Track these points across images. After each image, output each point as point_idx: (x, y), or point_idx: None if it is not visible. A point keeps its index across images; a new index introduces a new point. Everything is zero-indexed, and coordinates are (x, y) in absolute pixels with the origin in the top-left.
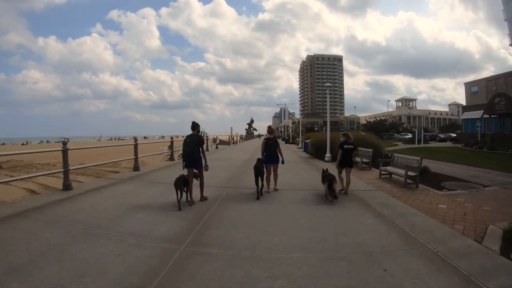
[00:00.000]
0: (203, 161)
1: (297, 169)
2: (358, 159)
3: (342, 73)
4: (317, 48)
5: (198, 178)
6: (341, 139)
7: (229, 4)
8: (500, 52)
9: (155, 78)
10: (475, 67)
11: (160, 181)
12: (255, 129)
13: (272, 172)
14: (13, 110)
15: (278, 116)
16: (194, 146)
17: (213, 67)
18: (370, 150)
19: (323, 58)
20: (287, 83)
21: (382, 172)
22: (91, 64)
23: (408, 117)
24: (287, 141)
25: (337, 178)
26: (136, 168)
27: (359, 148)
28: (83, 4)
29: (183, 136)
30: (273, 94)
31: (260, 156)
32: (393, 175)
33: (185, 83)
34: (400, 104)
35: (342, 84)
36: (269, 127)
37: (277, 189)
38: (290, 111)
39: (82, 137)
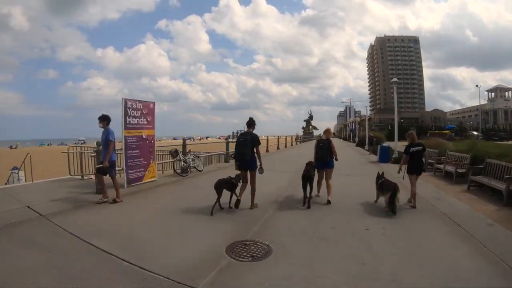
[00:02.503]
0: (258, 163)
1: None
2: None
3: (420, 58)
4: (369, 41)
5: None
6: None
7: (269, 3)
8: None
9: (210, 81)
10: None
11: None
12: (315, 128)
13: (324, 179)
14: (81, 113)
15: (343, 115)
16: (246, 146)
17: (266, 68)
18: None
19: (395, 40)
20: (344, 81)
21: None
22: (148, 70)
23: (505, 112)
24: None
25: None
26: None
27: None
28: (132, 18)
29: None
30: (331, 93)
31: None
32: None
33: (241, 85)
34: (493, 95)
35: (421, 71)
36: (328, 129)
37: (330, 202)
38: (356, 109)
39: None
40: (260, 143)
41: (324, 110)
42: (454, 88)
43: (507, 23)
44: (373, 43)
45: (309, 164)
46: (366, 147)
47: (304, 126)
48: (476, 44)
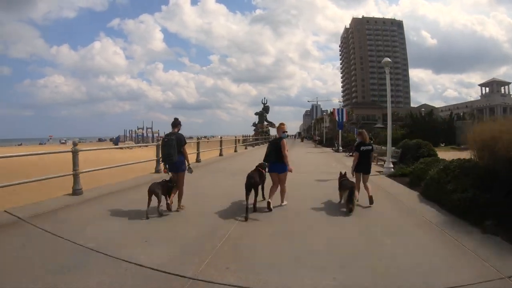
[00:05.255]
0: (186, 164)
1: None
2: None
3: (404, 45)
4: (324, 42)
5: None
6: (357, 139)
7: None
8: None
9: (168, 80)
10: (506, 56)
11: None
12: (272, 125)
13: (277, 184)
14: (41, 112)
15: (309, 114)
16: (172, 147)
17: (221, 67)
18: None
19: (375, 22)
20: (302, 82)
21: None
22: (104, 68)
23: (504, 109)
24: None
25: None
26: None
27: None
28: (85, 16)
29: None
30: (290, 93)
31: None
32: None
33: (200, 84)
34: (487, 90)
35: (406, 60)
36: (281, 124)
37: (283, 205)
38: (323, 108)
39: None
40: (186, 143)
41: (286, 110)
42: (413, 89)
43: (460, 26)
44: (348, 26)
45: (258, 167)
46: None
47: (257, 122)
48: (434, 46)
